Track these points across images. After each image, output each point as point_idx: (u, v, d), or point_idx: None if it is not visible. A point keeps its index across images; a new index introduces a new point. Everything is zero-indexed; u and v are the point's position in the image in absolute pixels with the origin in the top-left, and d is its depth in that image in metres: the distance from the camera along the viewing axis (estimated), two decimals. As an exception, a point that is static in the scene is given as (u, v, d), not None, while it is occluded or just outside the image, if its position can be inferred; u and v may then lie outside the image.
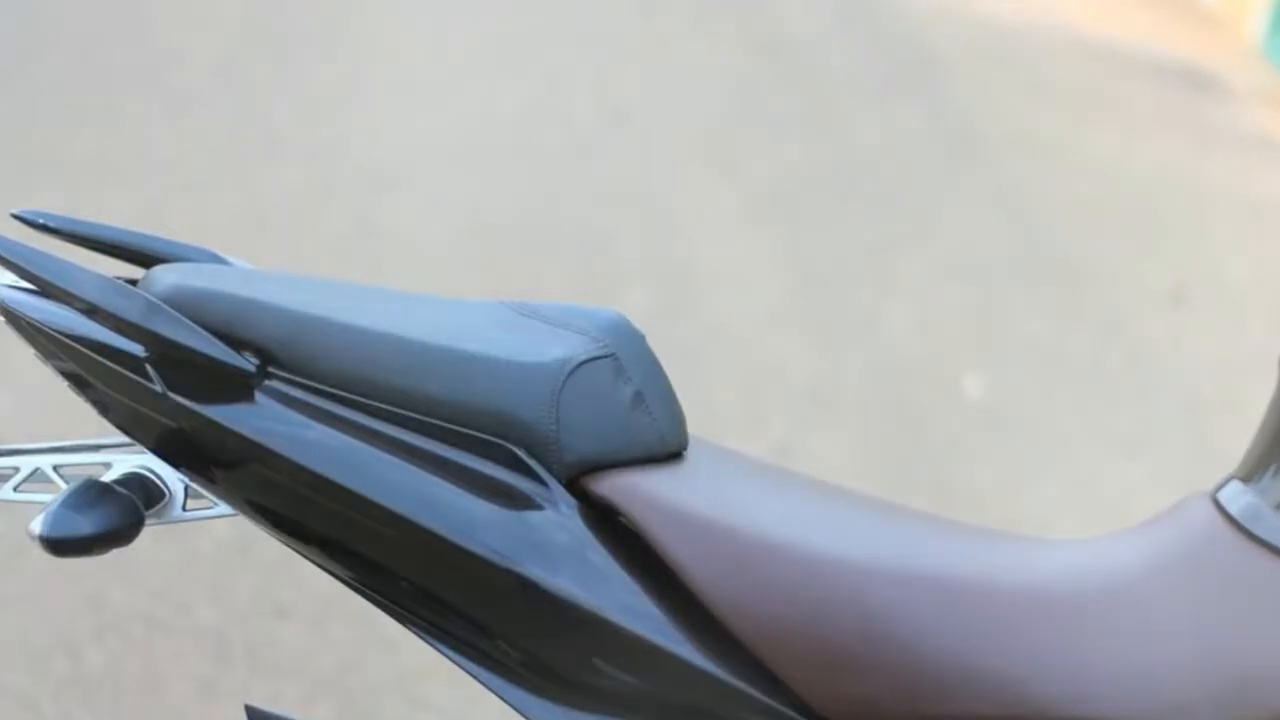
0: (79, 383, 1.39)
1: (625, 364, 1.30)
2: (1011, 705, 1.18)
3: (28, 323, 1.37)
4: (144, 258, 1.52)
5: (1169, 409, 4.57)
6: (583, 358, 1.29)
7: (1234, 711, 1.17)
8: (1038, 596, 1.22)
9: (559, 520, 1.27)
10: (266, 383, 1.34)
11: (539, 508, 1.27)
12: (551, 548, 1.26)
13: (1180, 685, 1.17)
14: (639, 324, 1.37)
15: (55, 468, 1.42)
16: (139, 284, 1.42)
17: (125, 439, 1.40)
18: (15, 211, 1.50)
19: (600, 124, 6.67)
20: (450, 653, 1.31)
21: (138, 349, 1.33)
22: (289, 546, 1.37)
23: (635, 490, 1.27)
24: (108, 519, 1.32)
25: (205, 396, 1.33)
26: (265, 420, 1.32)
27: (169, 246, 1.53)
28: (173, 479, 1.41)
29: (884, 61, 8.16)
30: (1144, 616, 1.20)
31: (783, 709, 1.24)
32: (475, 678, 1.30)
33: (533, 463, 1.28)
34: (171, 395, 1.33)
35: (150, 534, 1.38)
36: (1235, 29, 9.39)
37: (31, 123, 5.67)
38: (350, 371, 1.31)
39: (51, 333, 1.36)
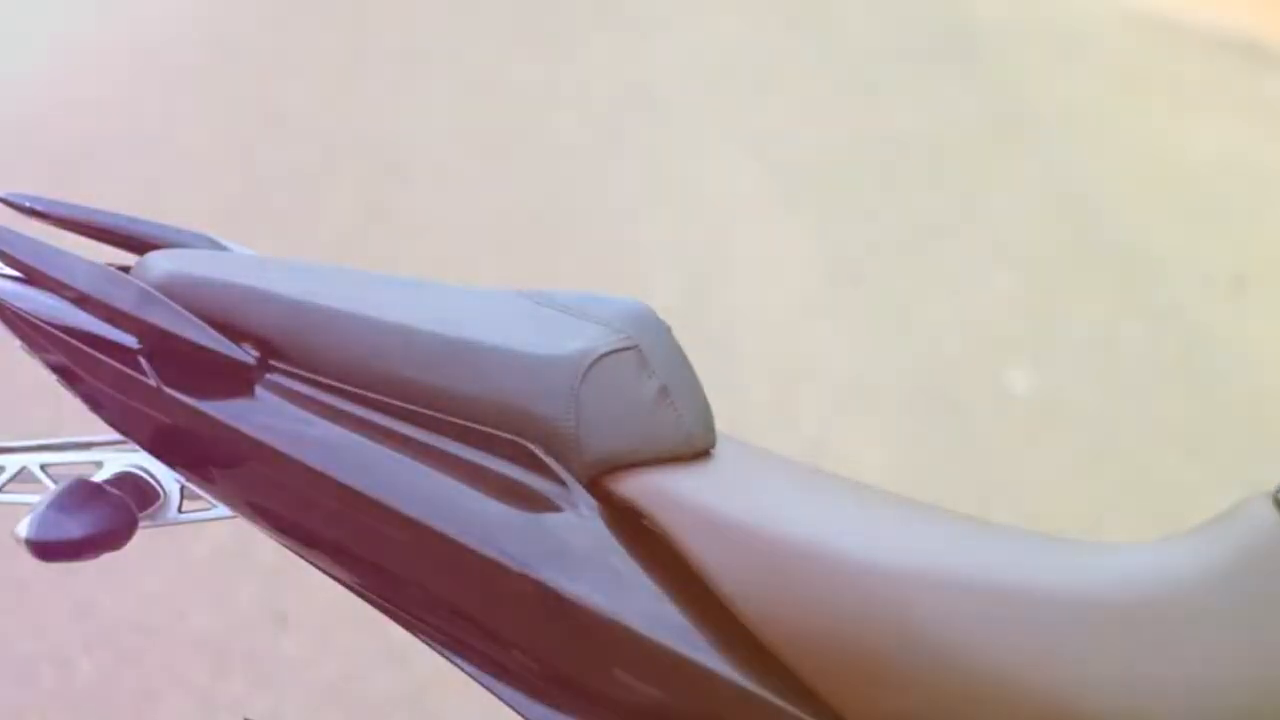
0: (68, 376, 1.39)
1: (649, 356, 1.30)
2: (1061, 720, 1.18)
3: (14, 313, 1.37)
4: (138, 243, 1.52)
5: (1228, 403, 4.56)
6: (604, 350, 1.28)
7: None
8: (1088, 605, 1.21)
9: (579, 522, 1.27)
10: (267, 376, 1.34)
11: (557, 509, 1.27)
12: (571, 552, 1.25)
13: (1241, 698, 1.17)
14: (663, 314, 1.37)
15: (43, 467, 1.43)
16: (132, 271, 1.42)
17: (117, 436, 1.40)
18: (1, 194, 1.51)
19: (624, 102, 6.67)
20: (463, 663, 1.31)
21: (131, 340, 1.33)
22: (291, 550, 1.37)
23: (660, 491, 1.27)
24: (98, 521, 1.32)
25: (202, 391, 1.33)
26: (266, 416, 1.32)
27: (164, 231, 1.53)
28: (168, 479, 1.41)
29: (924, 35, 8.14)
30: (1202, 626, 1.19)
31: (817, 724, 1.24)
32: (489, 690, 1.30)
33: (551, 461, 1.28)
34: (166, 390, 1.33)
35: (144, 537, 1.38)
36: (1298, -1, 9.35)
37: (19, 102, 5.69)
38: (356, 364, 1.31)
39: (39, 323, 1.36)
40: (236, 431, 1.32)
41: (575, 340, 1.29)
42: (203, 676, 2.98)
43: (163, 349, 1.33)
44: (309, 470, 1.30)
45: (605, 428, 1.27)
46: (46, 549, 1.31)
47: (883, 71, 7.49)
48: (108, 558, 1.37)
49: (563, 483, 1.28)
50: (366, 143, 5.87)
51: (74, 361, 1.37)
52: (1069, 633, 1.19)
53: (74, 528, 1.31)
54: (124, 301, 1.33)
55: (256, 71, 6.48)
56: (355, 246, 4.92)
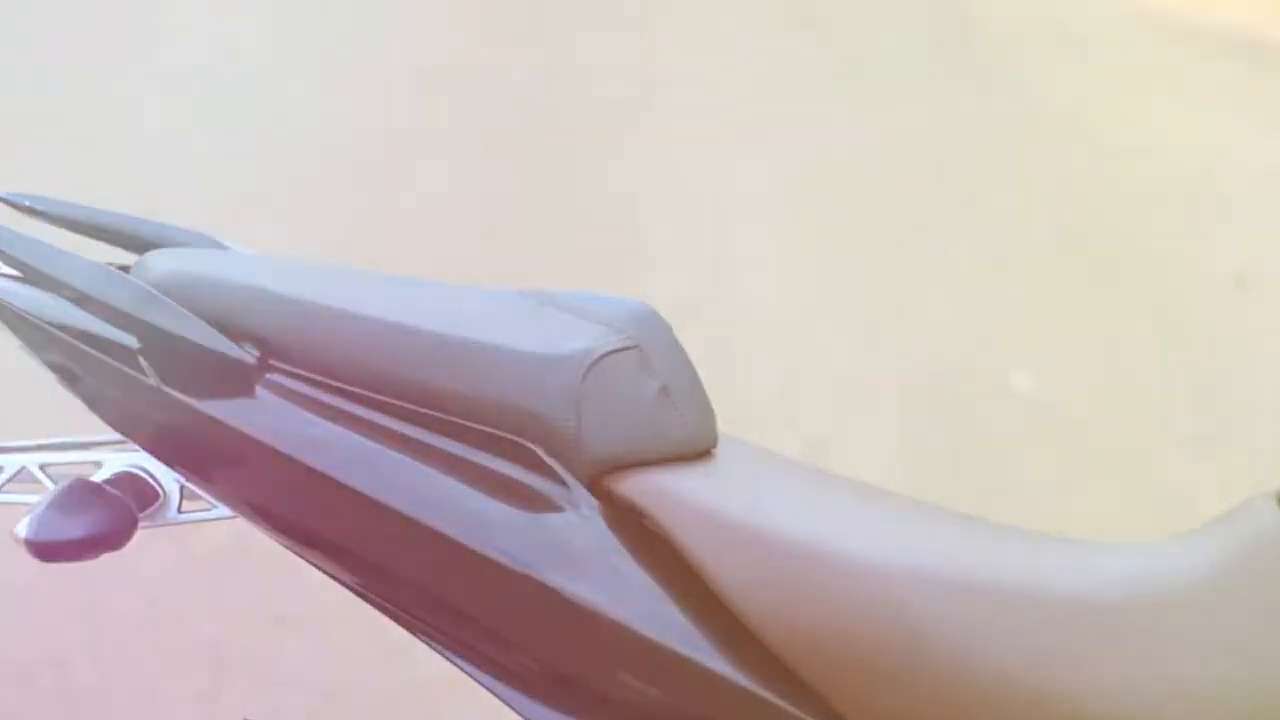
0: (68, 376, 1.39)
1: (651, 356, 1.30)
2: (1064, 721, 1.18)
3: (13, 312, 1.37)
4: (137, 242, 1.52)
5: (1232, 402, 4.56)
6: (605, 349, 1.28)
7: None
8: (1091, 605, 1.21)
9: (580, 523, 1.27)
10: (268, 376, 1.34)
11: (559, 509, 1.27)
12: (572, 552, 1.25)
13: (1245, 699, 1.17)
14: (665, 313, 1.37)
15: (42, 467, 1.43)
16: (132, 270, 1.42)
17: (117, 436, 1.40)
18: (1, 194, 1.51)
19: (626, 101, 6.67)
20: (463, 664, 1.31)
21: (130, 340, 1.33)
22: (292, 551, 1.37)
23: (661, 491, 1.26)
24: (98, 521, 1.32)
25: (202, 390, 1.33)
26: (266, 416, 1.32)
27: (163, 231, 1.53)
28: (167, 479, 1.41)
29: (928, 35, 8.14)
30: (1206, 626, 1.19)
31: (819, 725, 1.24)
32: (491, 691, 1.30)
33: (552, 461, 1.28)
34: (166, 389, 1.33)
35: (143, 537, 1.38)
36: (1302, -2, 9.35)
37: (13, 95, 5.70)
38: (357, 364, 1.31)
39: (38, 323, 1.36)
40: (236, 431, 1.32)
41: (576, 340, 1.29)
42: (203, 678, 2.98)
43: (162, 348, 1.33)
44: (309, 470, 1.30)
45: (606, 428, 1.27)
46: (46, 549, 1.31)
47: (887, 70, 7.49)
48: (107, 558, 1.37)
49: (563, 483, 1.28)
50: (368, 140, 5.87)
51: (74, 361, 1.37)
52: (1071, 633, 1.19)
53: (73, 528, 1.31)
54: (123, 301, 1.33)
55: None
56: (355, 245, 4.93)
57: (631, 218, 5.46)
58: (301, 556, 1.37)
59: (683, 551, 1.25)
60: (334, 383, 1.32)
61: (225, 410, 1.33)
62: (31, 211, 1.49)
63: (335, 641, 3.10)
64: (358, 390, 1.32)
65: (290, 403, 1.32)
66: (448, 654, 1.31)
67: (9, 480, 1.43)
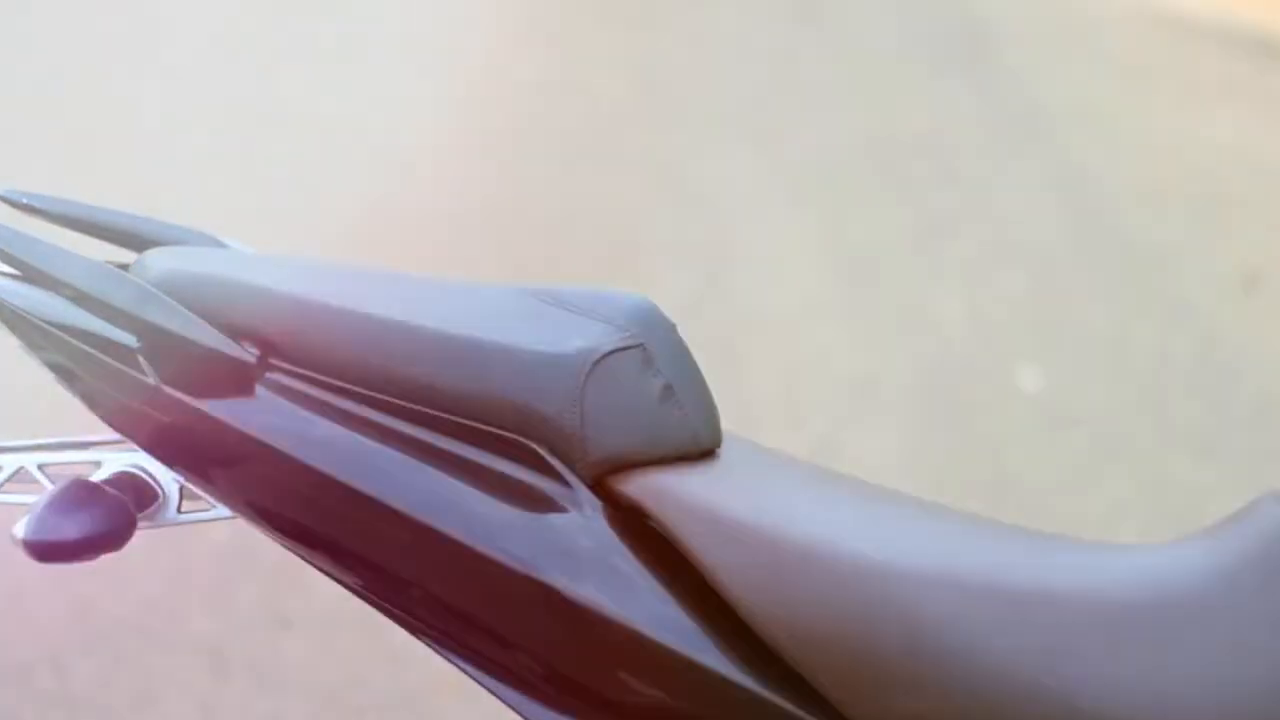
0: (66, 375, 1.39)
1: (655, 354, 1.29)
2: (1073, 724, 1.18)
3: (12, 311, 1.37)
4: (136, 240, 1.52)
5: (1241, 403, 4.55)
6: (609, 348, 1.28)
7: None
8: (1100, 606, 1.20)
9: (583, 523, 1.26)
10: (268, 375, 1.33)
11: (561, 510, 1.27)
12: (575, 553, 1.25)
13: (1254, 698, 1.16)
14: (669, 311, 1.37)
15: (40, 467, 1.42)
16: (131, 269, 1.42)
17: (116, 436, 1.40)
18: (0, 192, 1.50)
19: (628, 97, 6.66)
20: (465, 666, 1.30)
21: (129, 339, 1.33)
22: (292, 552, 1.37)
23: (665, 491, 1.26)
24: (96, 522, 1.32)
25: (202, 390, 1.33)
26: (266, 415, 1.32)
27: (163, 229, 1.53)
28: (167, 479, 1.41)
29: (933, 30, 8.14)
30: (1214, 626, 1.18)
31: (824, 727, 1.23)
32: (492, 693, 1.29)
33: (555, 461, 1.27)
34: (165, 388, 1.33)
35: (143, 538, 1.38)
36: (1310, -6, 9.34)
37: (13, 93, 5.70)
38: (358, 363, 1.31)
39: (37, 321, 1.35)
40: (236, 431, 1.32)
41: (580, 338, 1.29)
42: (203, 680, 2.98)
43: (162, 347, 1.33)
44: (309, 470, 1.30)
45: (610, 427, 1.27)
46: (44, 550, 1.30)
47: (891, 68, 7.49)
48: (106, 558, 1.37)
49: (566, 483, 1.27)
50: (370, 139, 5.87)
51: (72, 360, 1.36)
52: (1079, 633, 1.19)
53: (71, 529, 1.30)
54: (123, 299, 1.33)
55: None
56: (355, 243, 4.93)
57: (636, 216, 5.46)
58: (301, 557, 1.37)
59: (686, 552, 1.24)
60: (334, 381, 1.32)
61: (225, 410, 1.32)
62: (31, 210, 1.49)
63: (336, 643, 3.10)
64: (358, 389, 1.31)
65: (290, 402, 1.32)
66: (449, 655, 1.31)
67: (7, 480, 1.42)
